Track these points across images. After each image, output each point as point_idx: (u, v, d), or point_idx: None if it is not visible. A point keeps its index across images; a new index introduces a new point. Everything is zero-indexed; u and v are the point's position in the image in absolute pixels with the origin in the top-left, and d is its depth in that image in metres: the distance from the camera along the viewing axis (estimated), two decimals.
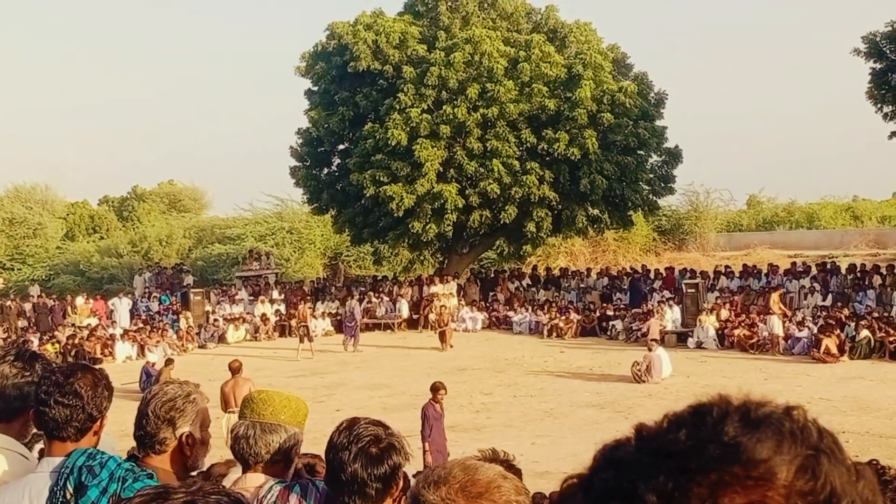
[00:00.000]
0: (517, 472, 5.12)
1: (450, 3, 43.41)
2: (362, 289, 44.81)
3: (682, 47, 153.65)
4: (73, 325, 38.45)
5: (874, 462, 3.43)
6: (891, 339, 27.77)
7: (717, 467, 0.81)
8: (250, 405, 4.22)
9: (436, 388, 16.04)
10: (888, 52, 35.87)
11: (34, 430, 4.08)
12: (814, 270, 38.04)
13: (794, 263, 40.85)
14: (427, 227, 40.74)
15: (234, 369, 17.23)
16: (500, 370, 27.79)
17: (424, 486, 2.25)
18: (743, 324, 31.56)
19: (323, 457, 4.64)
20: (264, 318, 39.91)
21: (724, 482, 0.80)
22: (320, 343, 36.51)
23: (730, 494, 0.79)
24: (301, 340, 33.13)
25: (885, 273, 35.82)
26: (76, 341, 33.79)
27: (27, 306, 42.54)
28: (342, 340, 34.54)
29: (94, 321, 39.24)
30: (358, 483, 3.27)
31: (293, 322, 36.49)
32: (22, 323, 39.58)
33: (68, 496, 3.28)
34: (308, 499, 3.73)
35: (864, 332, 28.47)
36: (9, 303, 44.16)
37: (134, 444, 4.03)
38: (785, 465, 0.80)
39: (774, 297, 32.53)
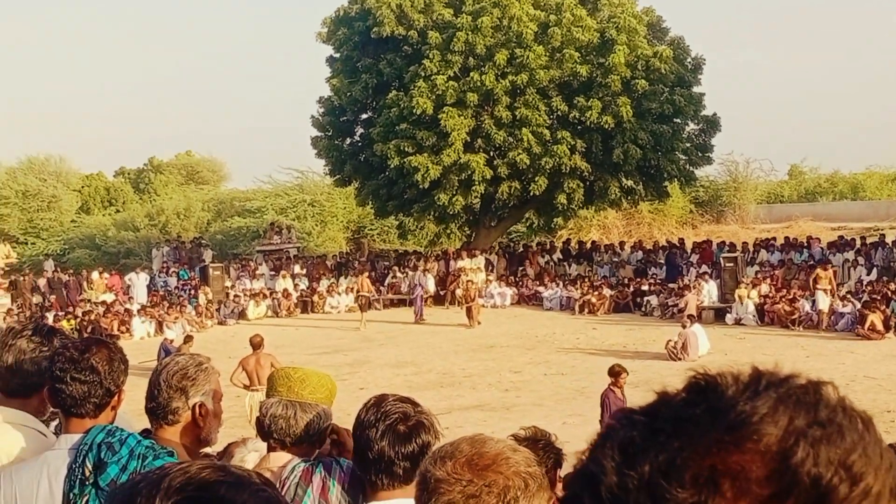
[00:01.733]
0: (557, 451, 5.22)
1: None
2: (385, 263, 44.92)
3: (721, 10, 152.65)
4: (88, 300, 38.62)
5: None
6: None
7: (694, 425, 0.83)
8: (286, 383, 4.24)
9: (616, 373, 14.74)
10: None
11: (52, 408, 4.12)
12: (858, 243, 38.01)
13: (840, 237, 40.61)
14: (454, 199, 40.72)
15: (256, 344, 17.31)
16: (529, 347, 27.83)
17: (432, 462, 2.30)
18: (784, 299, 31.47)
19: (346, 431, 4.71)
20: (286, 293, 40.01)
21: (696, 441, 0.82)
22: (342, 321, 36.63)
23: (694, 451, 0.81)
24: (362, 310, 33.77)
25: None
26: (92, 317, 33.98)
27: (41, 281, 42.77)
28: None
29: (110, 297, 39.48)
30: (385, 461, 3.28)
31: (356, 293, 37.02)
32: (36, 298, 39.78)
33: (87, 473, 3.31)
34: (332, 477, 3.76)
35: None
36: (23, 278, 44.41)
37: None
38: (774, 428, 0.81)
39: (827, 274, 32.24)
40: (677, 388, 0.89)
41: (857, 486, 0.81)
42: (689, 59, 42.38)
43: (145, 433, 3.68)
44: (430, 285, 39.96)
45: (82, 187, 74.85)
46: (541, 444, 4.99)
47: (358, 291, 35.59)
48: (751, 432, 0.81)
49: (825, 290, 30.40)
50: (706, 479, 0.79)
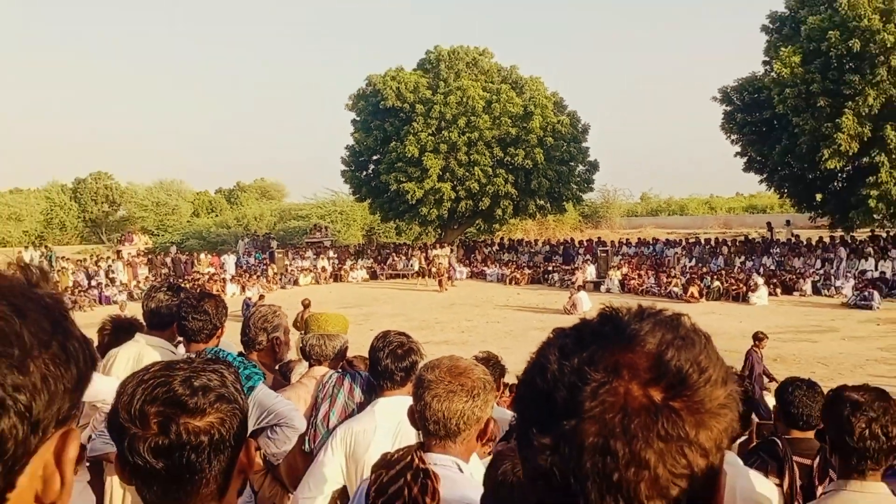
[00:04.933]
0: (502, 367, 5.35)
1: (447, 63, 43.14)
2: (387, 251, 44.79)
3: (601, 92, 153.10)
4: (198, 272, 38.52)
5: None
6: (732, 287, 27.92)
7: (604, 337, 0.86)
8: (317, 322, 4.25)
9: (760, 338, 12.94)
10: (734, 98, 35.82)
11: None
12: (683, 242, 38.18)
13: (671, 239, 40.84)
14: (430, 211, 40.82)
15: (306, 305, 17.23)
16: (477, 305, 27.81)
17: (424, 370, 2.32)
18: (637, 277, 31.68)
19: (360, 357, 4.73)
20: (323, 269, 39.81)
21: (605, 345, 0.85)
22: (358, 287, 36.54)
23: (604, 352, 0.84)
24: (440, 281, 33.76)
25: (730, 244, 36.01)
26: (200, 283, 33.79)
27: (168, 260, 42.54)
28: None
29: (211, 270, 39.30)
30: (388, 372, 3.29)
31: (433, 267, 36.86)
32: (164, 271, 39.61)
33: None
34: (355, 383, 3.78)
35: (716, 283, 28.61)
36: (155, 257, 44.39)
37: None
38: (651, 341, 0.85)
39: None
40: (596, 315, 0.92)
41: (703, 375, 0.85)
42: (580, 125, 42.43)
43: (240, 354, 3.71)
44: (416, 265, 39.84)
45: (194, 200, 74.34)
46: (491, 362, 5.05)
47: (437, 266, 36.00)
48: (639, 341, 0.84)
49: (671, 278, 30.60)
50: (612, 367, 0.82)
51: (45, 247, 50.26)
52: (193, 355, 3.50)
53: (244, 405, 1.43)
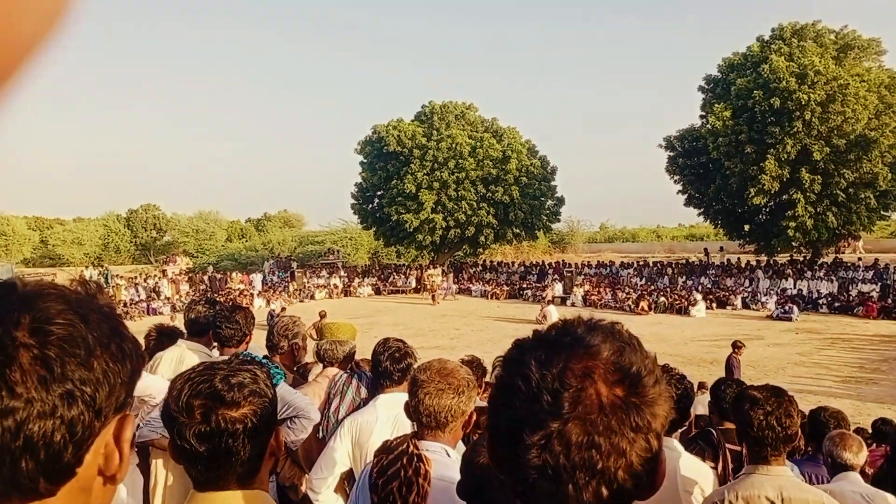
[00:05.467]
0: (483, 368, 5.33)
1: (439, 115, 43.34)
2: (388, 270, 44.68)
3: (567, 138, 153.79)
4: (230, 288, 38.32)
5: (664, 364, 3.48)
6: (676, 302, 27.93)
7: (570, 347, 0.87)
8: (329, 330, 4.27)
9: (738, 346, 12.73)
10: (676, 145, 36.11)
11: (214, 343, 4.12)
12: (635, 264, 38.22)
13: (625, 262, 40.84)
14: (425, 237, 40.70)
15: (321, 316, 17.13)
16: (463, 316, 27.71)
17: (418, 371, 2.32)
18: (597, 293, 31.67)
19: (366, 360, 4.72)
20: (335, 286, 39.62)
21: (573, 355, 0.86)
22: (365, 301, 36.39)
23: (574, 361, 0.85)
24: (433, 296, 33.55)
25: (673, 266, 36.06)
26: (232, 297, 33.63)
27: (205, 278, 42.32)
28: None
29: (242, 286, 39.04)
30: (388, 372, 3.29)
31: (427, 284, 36.70)
32: (202, 287, 39.38)
33: None
34: (362, 382, 3.77)
35: (662, 298, 28.62)
36: (195, 276, 44.12)
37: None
38: (606, 349, 0.87)
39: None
40: (548, 328, 0.93)
41: (651, 373, 0.87)
42: (549, 167, 42.47)
43: (265, 357, 3.70)
44: (413, 282, 39.88)
45: (227, 227, 74.13)
46: (475, 364, 5.07)
47: (430, 283, 35.81)
48: (596, 350, 0.86)
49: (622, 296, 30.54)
50: (583, 372, 0.84)
51: (103, 267, 50.00)
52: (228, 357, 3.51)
53: (274, 399, 1.47)
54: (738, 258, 37.30)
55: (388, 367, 3.31)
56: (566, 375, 0.84)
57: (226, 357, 3.53)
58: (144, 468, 3.83)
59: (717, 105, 32.03)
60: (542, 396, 0.84)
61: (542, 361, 0.86)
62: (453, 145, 40.21)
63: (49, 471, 0.67)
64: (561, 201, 43.10)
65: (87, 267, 48.54)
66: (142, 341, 5.28)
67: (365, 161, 44.04)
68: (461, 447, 2.39)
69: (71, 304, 0.71)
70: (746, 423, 2.65)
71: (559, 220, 46.11)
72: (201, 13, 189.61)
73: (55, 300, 0.71)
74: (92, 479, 0.73)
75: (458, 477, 2.09)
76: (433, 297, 33.51)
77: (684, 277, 33.63)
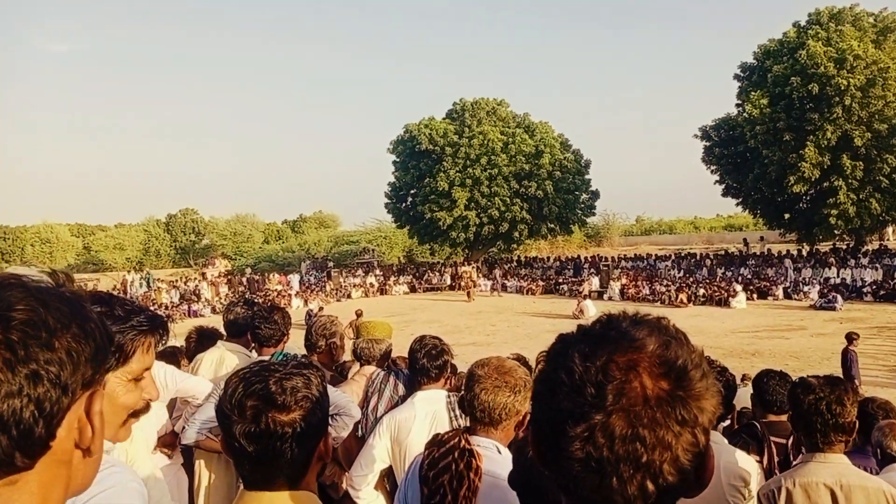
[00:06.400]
0: (529, 366, 5.29)
1: (470, 112, 43.31)
2: (423, 268, 44.82)
3: (602, 131, 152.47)
4: (268, 289, 38.80)
5: (707, 356, 3.41)
6: (715, 294, 27.52)
7: (614, 341, 0.86)
8: (366, 329, 4.29)
9: (852, 338, 12.20)
10: (712, 135, 35.59)
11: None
12: (672, 256, 37.77)
13: (676, 254, 40.39)
14: (459, 235, 40.83)
15: (358, 314, 17.25)
16: (499, 312, 27.64)
17: (475, 366, 2.32)
18: (634, 286, 31.35)
19: (402, 358, 4.74)
20: (371, 284, 39.84)
21: (618, 348, 0.85)
22: (400, 299, 36.56)
23: (619, 354, 0.84)
24: (468, 293, 33.27)
25: (712, 258, 35.58)
26: (270, 298, 34.03)
27: (244, 280, 42.94)
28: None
29: (280, 287, 39.49)
30: (425, 369, 3.30)
31: (461, 281, 36.54)
32: (241, 289, 39.95)
33: None
34: (399, 379, 3.79)
35: (701, 290, 28.23)
36: (234, 277, 44.81)
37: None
38: (651, 342, 0.85)
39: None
40: (593, 323, 0.92)
41: (698, 367, 0.86)
42: (583, 160, 42.23)
43: (303, 356, 3.73)
44: (448, 280, 39.89)
45: (264, 229, 75.03)
46: (521, 363, 5.05)
47: (466, 279, 35.46)
48: (641, 344, 0.85)
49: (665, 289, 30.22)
50: (628, 365, 0.83)
51: (144, 271, 51.04)
52: (266, 357, 3.55)
53: (325, 405, 1.48)
54: (779, 248, 36.61)
55: (426, 364, 3.32)
56: (610, 368, 0.83)
57: (266, 356, 3.57)
58: (189, 468, 3.90)
59: (753, 93, 31.46)
60: (585, 389, 0.83)
61: (586, 354, 0.85)
62: (485, 142, 40.17)
63: (22, 446, 0.71)
64: (596, 195, 42.80)
65: (128, 271, 49.58)
66: (182, 343, 5.37)
67: (398, 160, 44.24)
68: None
69: (31, 291, 0.76)
70: (797, 407, 2.64)
71: (594, 214, 45.90)
72: (232, 18, 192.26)
73: (16, 289, 0.76)
74: (69, 452, 0.79)
75: (507, 474, 2.10)
76: (468, 293, 33.49)
77: (723, 269, 33.11)
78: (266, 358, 3.75)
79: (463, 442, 2.16)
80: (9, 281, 0.77)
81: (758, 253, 36.19)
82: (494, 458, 2.16)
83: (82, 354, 0.77)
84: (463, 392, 2.35)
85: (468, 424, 2.35)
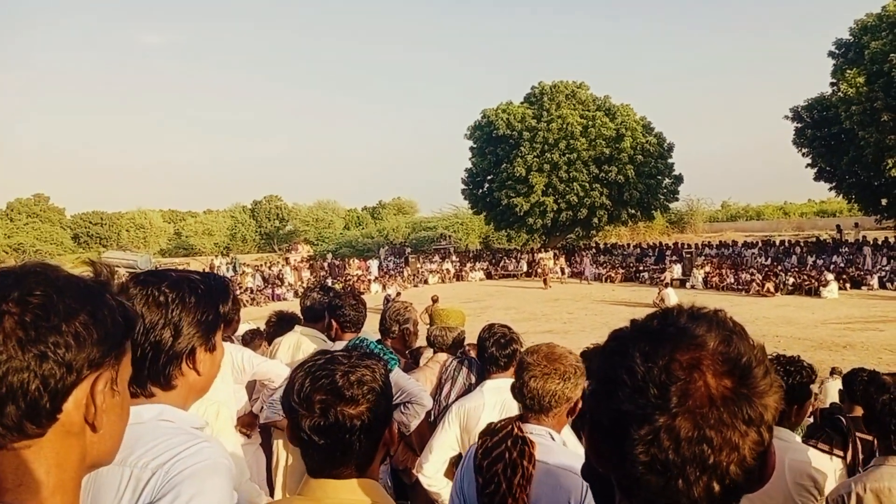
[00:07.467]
0: None
1: (549, 96, 42.59)
2: (499, 254, 44.73)
3: (685, 114, 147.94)
4: (349, 274, 39.59)
5: (774, 352, 3.28)
6: (805, 283, 26.40)
7: (674, 338, 0.84)
8: (440, 316, 4.34)
9: None
10: (804, 116, 34.07)
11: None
12: (759, 244, 36.42)
13: (763, 241, 39.02)
14: (536, 221, 40.46)
15: (434, 300, 17.46)
16: (577, 300, 27.37)
17: (526, 354, 2.32)
18: (719, 274, 30.41)
19: (472, 344, 4.76)
20: (447, 270, 40.11)
21: (679, 346, 0.83)
22: (476, 285, 36.63)
23: (680, 352, 0.83)
24: (545, 279, 33.18)
25: (802, 245, 34.12)
26: (350, 283, 34.75)
27: (325, 265, 43.92)
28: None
29: (359, 272, 40.21)
30: (494, 358, 3.32)
31: (538, 267, 36.60)
32: (322, 273, 40.90)
33: None
34: (472, 368, 3.82)
35: (790, 279, 27.14)
36: (315, 263, 45.95)
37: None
38: (712, 339, 0.84)
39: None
40: (647, 318, 0.91)
41: (762, 364, 0.84)
42: (665, 144, 41.09)
43: (378, 341, 3.80)
44: (524, 267, 39.74)
45: (345, 216, 76.59)
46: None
47: (543, 267, 35.56)
48: (703, 341, 0.84)
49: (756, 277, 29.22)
50: (691, 364, 0.82)
51: (231, 256, 52.94)
52: (344, 344, 3.63)
53: (390, 394, 1.50)
54: (875, 235, 34.71)
55: (495, 352, 3.33)
56: (673, 367, 0.82)
57: (342, 346, 3.66)
58: (267, 447, 4.05)
59: (849, 71, 29.83)
60: (648, 390, 0.82)
61: (647, 353, 0.84)
62: (564, 126, 39.62)
63: (30, 415, 0.81)
64: (679, 179, 41.62)
65: (216, 256, 51.53)
66: (263, 327, 5.54)
67: (475, 146, 44.15)
68: (566, 430, 2.38)
69: (50, 279, 0.86)
70: (870, 407, 2.51)
71: (677, 199, 44.67)
72: (310, 16, 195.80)
73: (37, 276, 0.86)
74: (79, 425, 0.87)
75: (565, 461, 2.09)
76: (545, 280, 33.25)
77: (814, 257, 31.67)
78: (330, 346, 3.85)
79: (516, 430, 2.16)
80: (34, 269, 0.87)
81: (852, 240, 34.46)
82: (547, 444, 2.16)
83: (90, 338, 0.86)
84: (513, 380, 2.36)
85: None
